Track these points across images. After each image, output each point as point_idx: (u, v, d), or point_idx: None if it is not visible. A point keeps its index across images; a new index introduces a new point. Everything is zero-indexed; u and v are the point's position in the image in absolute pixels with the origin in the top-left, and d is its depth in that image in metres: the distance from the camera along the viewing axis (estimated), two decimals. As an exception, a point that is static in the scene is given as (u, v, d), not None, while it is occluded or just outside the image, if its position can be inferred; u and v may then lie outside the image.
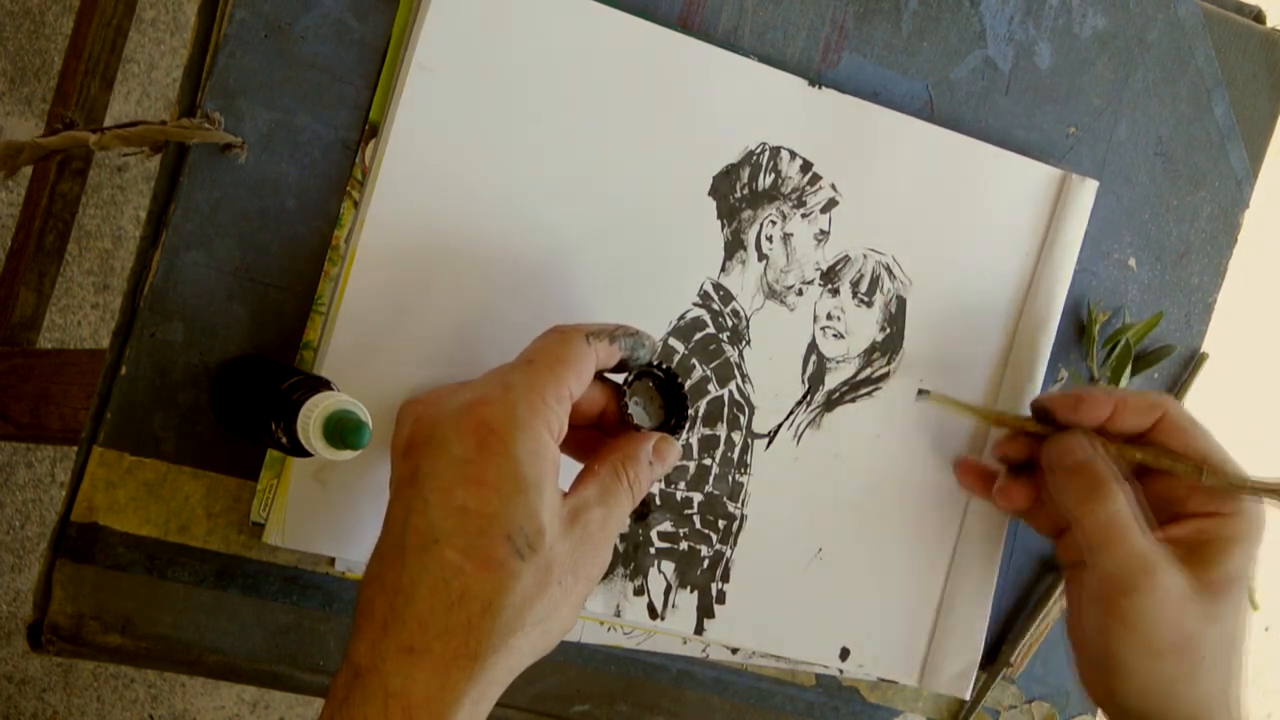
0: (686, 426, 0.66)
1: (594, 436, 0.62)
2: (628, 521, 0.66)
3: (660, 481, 0.69)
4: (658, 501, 0.69)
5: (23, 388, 0.98)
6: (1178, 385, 0.81)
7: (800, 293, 0.71)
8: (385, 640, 0.53)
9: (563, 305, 0.66)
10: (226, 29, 0.60)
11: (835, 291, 0.71)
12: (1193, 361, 0.81)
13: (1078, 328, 0.78)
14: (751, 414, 0.71)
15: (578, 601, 0.57)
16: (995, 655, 0.78)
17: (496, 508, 0.53)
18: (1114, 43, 0.77)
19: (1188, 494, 0.67)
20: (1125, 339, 0.77)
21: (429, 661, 0.52)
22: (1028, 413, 0.71)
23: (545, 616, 0.55)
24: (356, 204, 0.63)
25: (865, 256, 0.72)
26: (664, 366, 0.62)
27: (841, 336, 0.72)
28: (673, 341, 0.69)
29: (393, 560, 0.54)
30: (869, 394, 0.73)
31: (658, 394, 0.63)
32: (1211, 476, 0.66)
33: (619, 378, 0.62)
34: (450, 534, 0.53)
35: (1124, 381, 0.77)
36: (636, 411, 0.62)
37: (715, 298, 0.69)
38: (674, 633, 0.71)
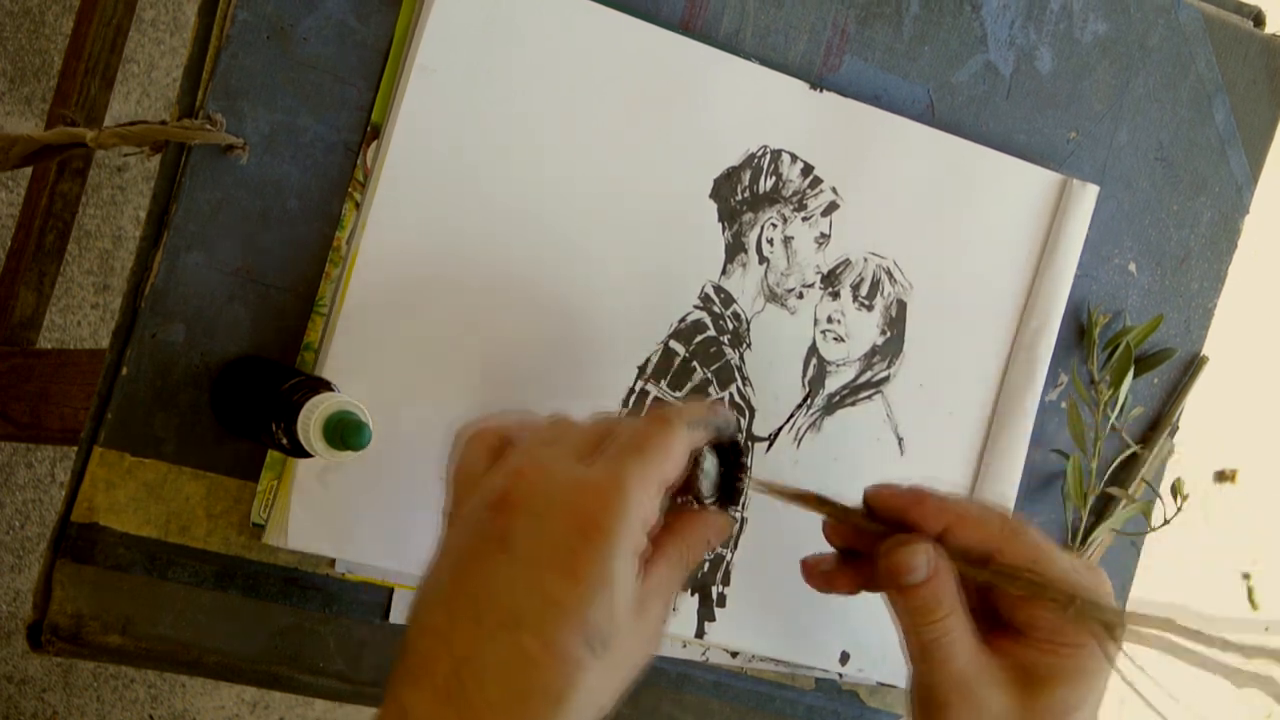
0: (742, 496, 0.65)
1: None
2: None
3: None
4: None
5: (23, 388, 0.98)
6: (1178, 388, 0.81)
7: (801, 296, 0.71)
8: (448, 708, 0.51)
9: (564, 306, 0.66)
10: (229, 30, 0.60)
11: (836, 295, 0.72)
12: (1192, 365, 0.81)
13: (1078, 331, 0.78)
14: (752, 417, 0.71)
15: (626, 685, 0.56)
16: (994, 659, 0.78)
17: (584, 604, 0.52)
18: (1115, 48, 0.77)
19: (1030, 619, 0.61)
20: (1126, 342, 0.77)
21: None
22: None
23: (602, 707, 0.54)
24: (358, 205, 0.63)
25: (866, 260, 0.72)
26: (735, 445, 0.60)
27: (842, 340, 0.72)
28: (674, 344, 0.69)
29: (465, 626, 0.52)
30: (869, 397, 0.73)
31: (718, 461, 0.60)
32: (1082, 611, 0.58)
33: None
34: (533, 620, 0.51)
35: (1125, 385, 0.77)
36: (705, 484, 0.59)
37: (716, 300, 0.69)
38: (674, 636, 0.71)
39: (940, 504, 0.61)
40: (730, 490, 0.60)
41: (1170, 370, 0.81)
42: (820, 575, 0.65)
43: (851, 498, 0.73)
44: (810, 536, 0.72)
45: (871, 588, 0.64)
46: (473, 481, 0.56)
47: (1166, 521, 0.81)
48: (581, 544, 0.52)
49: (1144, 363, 0.79)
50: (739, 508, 0.67)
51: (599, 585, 0.52)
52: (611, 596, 0.52)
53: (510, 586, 0.52)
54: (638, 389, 0.68)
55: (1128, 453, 0.80)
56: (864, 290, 0.72)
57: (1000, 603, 0.62)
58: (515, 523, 0.53)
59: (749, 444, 0.71)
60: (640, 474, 0.54)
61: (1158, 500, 0.81)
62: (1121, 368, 0.77)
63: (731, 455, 0.60)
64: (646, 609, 0.55)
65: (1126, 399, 0.78)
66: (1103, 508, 0.79)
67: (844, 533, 0.64)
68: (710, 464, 0.59)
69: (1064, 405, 0.78)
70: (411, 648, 0.53)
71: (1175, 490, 0.80)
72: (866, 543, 0.62)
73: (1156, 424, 0.81)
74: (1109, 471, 0.79)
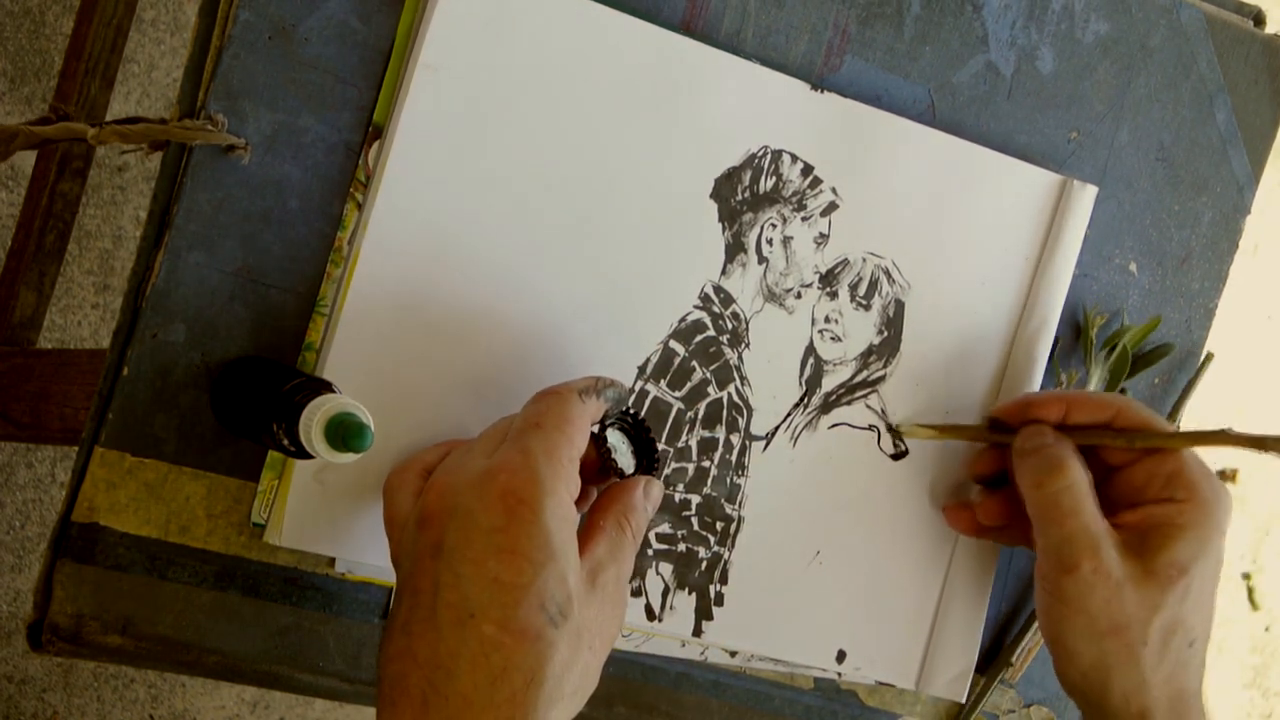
0: (661, 465, 0.67)
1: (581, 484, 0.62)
2: None
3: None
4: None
5: (23, 388, 0.98)
6: (1184, 387, 0.81)
7: (799, 295, 0.71)
8: (428, 716, 0.52)
9: (564, 306, 0.66)
10: (231, 30, 0.61)
11: (834, 294, 0.72)
12: (1200, 363, 0.81)
13: (1076, 331, 0.78)
14: (750, 416, 0.71)
15: (603, 661, 0.57)
16: (993, 659, 0.78)
17: (530, 577, 0.52)
18: (1116, 48, 0.77)
19: (1145, 482, 0.68)
20: (1123, 342, 0.77)
21: None
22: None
23: (580, 683, 0.55)
24: (359, 206, 0.63)
25: (864, 260, 0.72)
26: (632, 412, 0.63)
27: (839, 339, 0.72)
28: (674, 344, 0.69)
29: (425, 635, 0.53)
30: (865, 397, 0.73)
31: (627, 436, 0.63)
32: (1144, 438, 0.67)
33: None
34: (486, 607, 0.52)
35: (1122, 385, 0.77)
36: (621, 458, 0.62)
37: (716, 300, 0.69)
38: (672, 635, 0.71)
39: (1055, 396, 0.69)
40: (650, 459, 0.63)
41: (1171, 370, 0.81)
42: (963, 514, 0.73)
43: (849, 497, 0.73)
44: (807, 535, 0.72)
45: (1014, 523, 0.71)
46: (403, 518, 0.57)
47: None
48: (509, 522, 0.53)
49: (1142, 360, 0.79)
50: (662, 472, 0.69)
51: (539, 558, 0.53)
52: (555, 567, 0.53)
53: (456, 584, 0.53)
54: (637, 389, 0.68)
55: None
56: (862, 290, 0.72)
57: (1115, 479, 0.69)
58: (444, 529, 0.54)
59: (747, 443, 0.71)
60: (544, 445, 0.55)
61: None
62: (1119, 367, 0.77)
63: (636, 429, 0.63)
64: (599, 577, 0.56)
65: None
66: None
67: (986, 461, 0.72)
68: (617, 439, 0.62)
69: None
70: (384, 678, 0.54)
71: None
72: (1001, 462, 0.71)
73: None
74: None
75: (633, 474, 0.62)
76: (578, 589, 0.54)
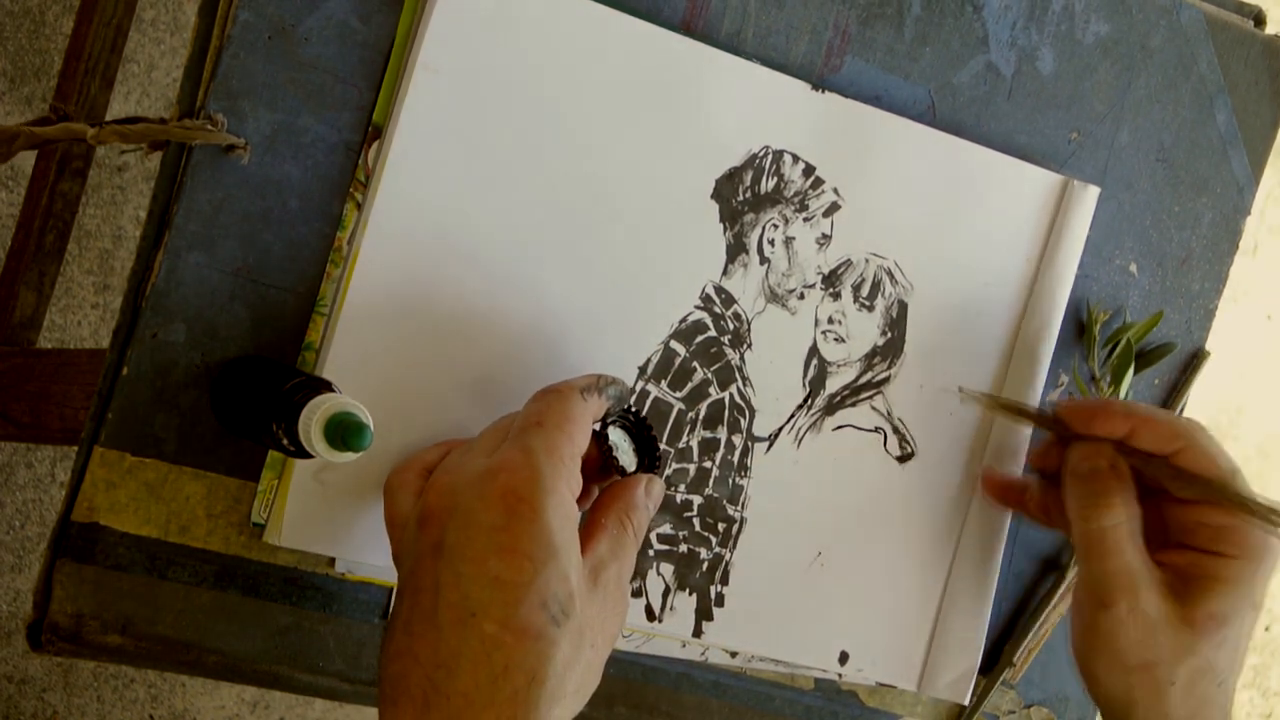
0: (662, 464, 0.67)
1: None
2: None
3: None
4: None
5: (23, 388, 0.98)
6: (1178, 384, 0.81)
7: (802, 296, 0.71)
8: (429, 716, 0.51)
9: (564, 306, 0.66)
10: (230, 30, 0.60)
11: (837, 295, 0.72)
12: (1195, 359, 0.81)
13: (1078, 328, 0.78)
14: (752, 417, 0.71)
15: (605, 660, 0.57)
16: (995, 660, 0.78)
17: (531, 576, 0.52)
18: (1116, 49, 0.77)
19: (1196, 526, 0.66)
20: (1126, 338, 0.77)
21: None
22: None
23: (581, 681, 0.54)
24: (359, 206, 0.63)
25: (867, 261, 0.72)
26: (634, 411, 0.63)
27: (842, 340, 0.72)
28: (674, 344, 0.69)
29: (426, 634, 0.53)
30: (870, 398, 0.73)
31: (628, 435, 0.63)
32: (1197, 489, 0.65)
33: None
34: (487, 605, 0.52)
35: (1126, 381, 0.77)
36: (622, 456, 0.62)
37: (717, 301, 0.69)
38: (672, 635, 0.70)
39: (1124, 410, 0.67)
40: (652, 458, 0.63)
41: (1172, 369, 0.81)
42: (1008, 491, 0.72)
43: (852, 499, 0.73)
44: (809, 536, 0.72)
45: (1045, 518, 0.70)
46: (404, 518, 0.57)
47: None
48: (510, 520, 0.53)
49: (1145, 358, 0.79)
50: (664, 470, 0.69)
51: (542, 556, 0.53)
52: (557, 565, 0.53)
53: (457, 583, 0.53)
54: (638, 389, 0.68)
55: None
56: (865, 291, 0.72)
57: (1168, 512, 0.67)
58: (445, 528, 0.54)
59: (750, 444, 0.71)
60: (545, 443, 0.55)
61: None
62: (1122, 364, 0.77)
63: (637, 427, 0.63)
64: (601, 575, 0.56)
65: (1128, 396, 0.78)
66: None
67: (1050, 457, 0.70)
68: (619, 437, 0.62)
69: (1065, 406, 0.78)
70: (385, 677, 0.54)
71: None
72: (1054, 460, 0.69)
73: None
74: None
75: (634, 472, 0.62)
76: (579, 587, 0.54)
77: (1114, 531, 0.64)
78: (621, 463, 0.61)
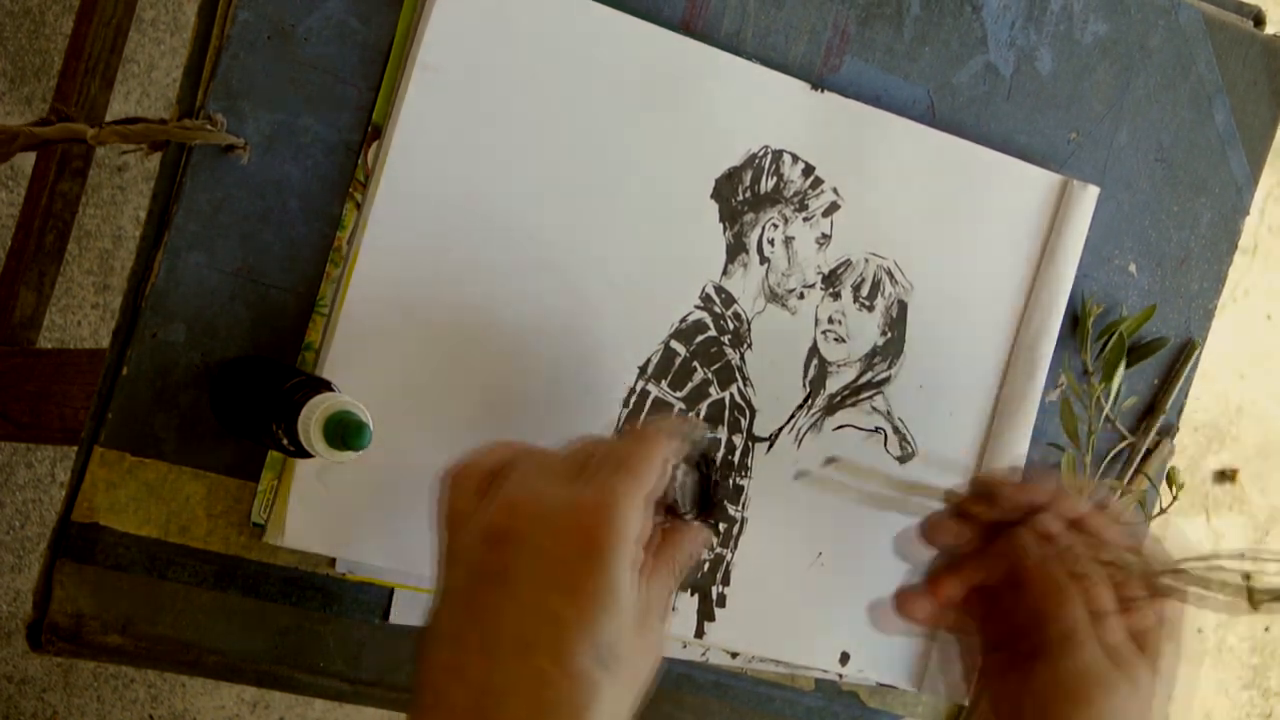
0: (719, 506, 0.66)
1: None
2: None
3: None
4: None
5: (23, 388, 0.98)
6: (1169, 375, 0.81)
7: (802, 296, 0.71)
8: None
9: (564, 306, 0.66)
10: (230, 30, 0.60)
11: (837, 295, 0.72)
12: (1183, 352, 0.81)
13: (1073, 324, 0.78)
14: (752, 417, 0.71)
15: (637, 699, 0.56)
16: (994, 659, 0.78)
17: (590, 619, 0.52)
18: (1115, 49, 0.77)
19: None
20: (1119, 331, 0.77)
21: None
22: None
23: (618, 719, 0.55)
24: (359, 205, 0.63)
25: (867, 260, 0.72)
26: (708, 458, 0.61)
27: (843, 340, 0.72)
28: (674, 344, 0.69)
29: (477, 656, 0.53)
30: (870, 398, 0.73)
31: (695, 476, 0.62)
32: (1150, 569, 0.62)
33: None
34: (544, 641, 0.52)
35: (1118, 375, 0.77)
36: (685, 498, 0.61)
37: (717, 300, 0.69)
38: (674, 636, 0.70)
39: (1046, 478, 0.64)
40: (708, 501, 0.61)
41: (1168, 366, 0.81)
42: (919, 601, 0.66)
43: (853, 499, 0.73)
44: (810, 536, 0.72)
45: (961, 622, 0.66)
46: (463, 520, 0.56)
47: (1163, 510, 0.81)
48: (582, 563, 0.53)
49: (1138, 352, 0.79)
50: (716, 518, 0.68)
51: (604, 601, 0.53)
52: (617, 611, 0.53)
53: (518, 615, 0.53)
54: (638, 389, 0.68)
55: (1123, 444, 0.80)
56: (865, 291, 0.72)
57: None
58: (513, 553, 0.54)
59: (750, 444, 0.71)
60: (628, 490, 0.55)
61: (1157, 496, 0.81)
62: (1114, 357, 0.77)
63: (704, 467, 0.61)
64: (648, 618, 0.56)
65: (1120, 389, 0.78)
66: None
67: (943, 530, 0.66)
68: (685, 477, 0.61)
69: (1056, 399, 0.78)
70: (425, 686, 0.54)
71: (1170, 480, 0.80)
72: (969, 535, 0.65)
73: (1151, 412, 0.81)
74: (1104, 464, 0.79)
75: (692, 514, 0.61)
76: (629, 633, 0.54)
77: (1079, 624, 0.62)
78: (684, 508, 0.60)
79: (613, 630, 0.53)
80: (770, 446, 0.71)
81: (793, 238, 0.70)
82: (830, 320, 0.72)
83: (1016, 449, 0.75)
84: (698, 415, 0.70)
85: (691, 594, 0.70)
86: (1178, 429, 0.82)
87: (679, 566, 0.59)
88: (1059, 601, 0.62)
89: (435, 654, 0.54)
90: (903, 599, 0.66)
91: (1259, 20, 0.81)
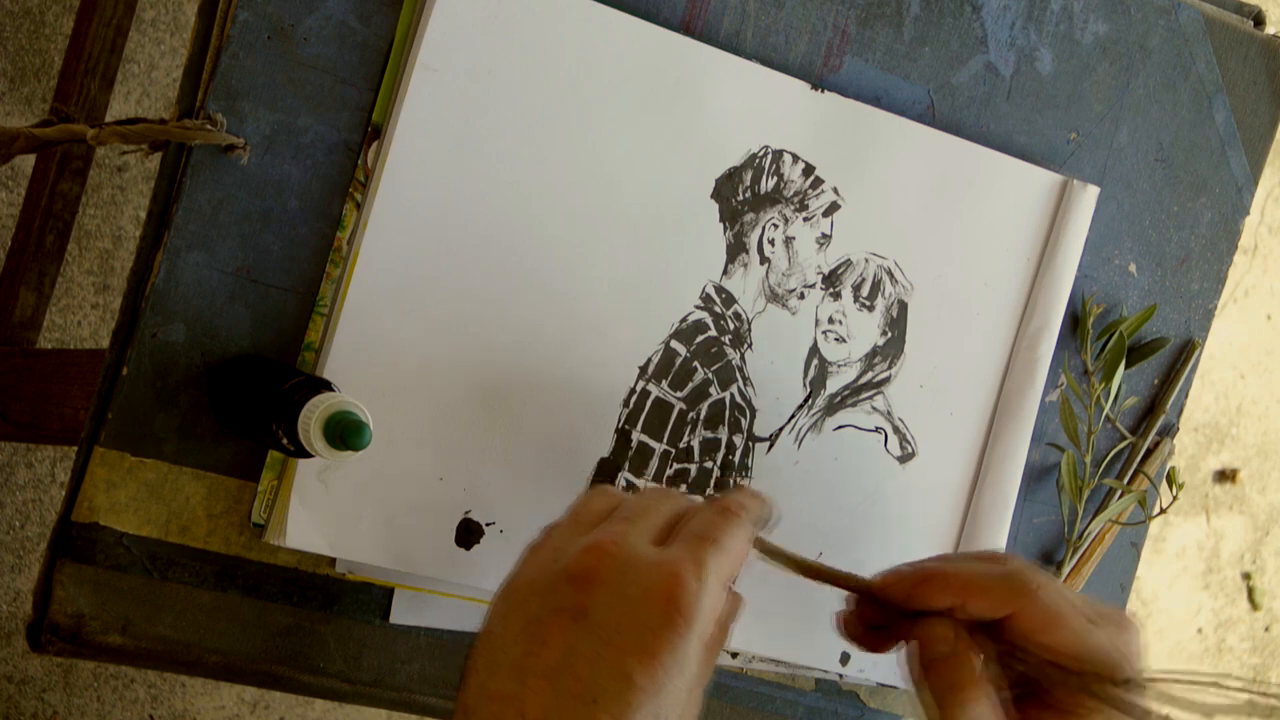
0: None
1: None
2: None
3: (660, 483, 0.69)
4: None
5: (23, 388, 0.98)
6: (1169, 375, 0.81)
7: (802, 296, 0.71)
8: None
9: (564, 306, 0.66)
10: (230, 30, 0.60)
11: (837, 295, 0.72)
12: (1184, 352, 0.81)
13: (1072, 321, 0.78)
14: (753, 417, 0.71)
15: None
16: (994, 659, 0.78)
17: (658, 686, 0.52)
18: (1115, 49, 0.77)
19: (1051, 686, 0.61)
20: (1119, 331, 0.77)
21: None
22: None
23: None
24: (359, 205, 0.63)
25: (867, 260, 0.72)
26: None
27: (843, 340, 0.72)
28: (675, 344, 0.69)
29: (540, 692, 0.52)
30: (870, 398, 0.73)
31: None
32: (1102, 687, 0.57)
33: None
34: (610, 699, 0.52)
35: (1118, 375, 0.77)
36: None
37: (717, 300, 0.69)
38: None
39: (946, 580, 0.60)
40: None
41: (1168, 366, 0.81)
42: (855, 627, 0.65)
43: (853, 499, 0.73)
44: (810, 536, 0.72)
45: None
46: (553, 555, 0.56)
47: (1163, 510, 0.81)
48: (662, 626, 0.53)
49: (1138, 352, 0.79)
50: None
51: (673, 673, 0.53)
52: (683, 684, 0.53)
53: (591, 661, 0.53)
54: (639, 389, 0.68)
55: (1123, 445, 0.80)
56: (865, 291, 0.72)
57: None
58: (595, 597, 0.54)
59: (750, 444, 0.71)
60: (717, 565, 0.55)
61: (1156, 496, 0.81)
62: (1114, 357, 0.77)
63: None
64: (699, 687, 0.56)
65: (1120, 388, 0.78)
66: (1102, 502, 0.79)
67: (857, 619, 0.64)
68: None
69: (1056, 399, 0.78)
70: (474, 708, 0.53)
71: (1170, 479, 0.80)
72: (882, 619, 0.63)
73: (1151, 412, 0.81)
74: (1104, 464, 0.79)
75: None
76: (684, 700, 0.54)
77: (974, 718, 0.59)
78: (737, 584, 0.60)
79: (674, 701, 0.53)
80: (770, 446, 0.71)
81: (793, 238, 0.70)
82: (830, 320, 0.72)
83: (1017, 448, 0.75)
84: (698, 415, 0.70)
85: (691, 594, 0.70)
86: (1178, 429, 0.83)
87: (729, 635, 0.59)
88: (958, 701, 0.59)
89: (492, 681, 0.54)
90: (840, 619, 0.66)
91: (1259, 20, 0.81)
